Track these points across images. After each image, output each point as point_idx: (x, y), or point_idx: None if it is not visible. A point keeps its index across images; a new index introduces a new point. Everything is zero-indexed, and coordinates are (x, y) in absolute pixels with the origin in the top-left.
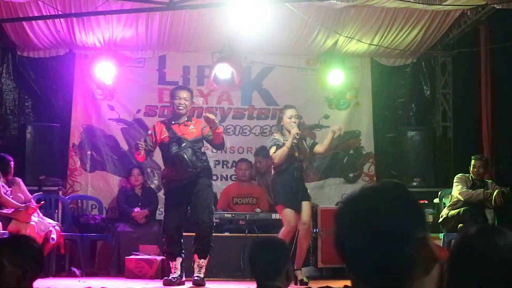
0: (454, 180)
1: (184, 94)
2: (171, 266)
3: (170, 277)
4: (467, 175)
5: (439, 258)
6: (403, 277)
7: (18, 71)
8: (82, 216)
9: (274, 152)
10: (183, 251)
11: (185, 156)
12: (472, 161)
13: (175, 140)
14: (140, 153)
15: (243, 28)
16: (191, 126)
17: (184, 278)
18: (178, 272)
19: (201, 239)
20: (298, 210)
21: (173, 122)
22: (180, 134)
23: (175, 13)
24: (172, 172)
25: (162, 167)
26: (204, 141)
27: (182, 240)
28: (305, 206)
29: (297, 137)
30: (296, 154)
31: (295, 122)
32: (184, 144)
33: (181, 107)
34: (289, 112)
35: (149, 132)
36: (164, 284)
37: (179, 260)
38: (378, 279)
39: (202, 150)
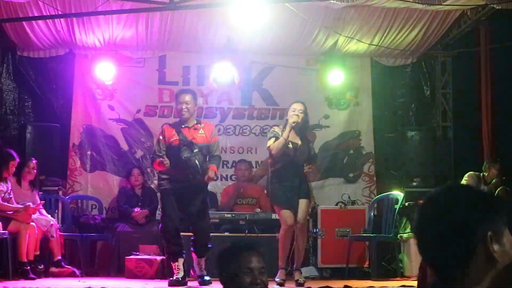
0: (464, 178)
1: (185, 98)
2: (173, 267)
3: (174, 278)
4: (479, 174)
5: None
6: (458, 268)
7: (18, 71)
8: (82, 216)
9: (272, 144)
10: (184, 251)
11: (197, 162)
12: (497, 166)
13: (186, 144)
14: (164, 166)
15: (243, 28)
16: (201, 130)
17: (187, 279)
18: (182, 273)
19: (201, 241)
20: (294, 208)
21: (183, 126)
22: (190, 138)
23: (175, 13)
24: (178, 174)
25: (151, 163)
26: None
27: (182, 241)
28: (301, 204)
29: (293, 124)
30: (292, 154)
31: (297, 115)
32: (196, 150)
33: (184, 112)
34: (294, 106)
35: (160, 137)
36: (169, 285)
37: (181, 260)
38: (439, 265)
39: (208, 158)
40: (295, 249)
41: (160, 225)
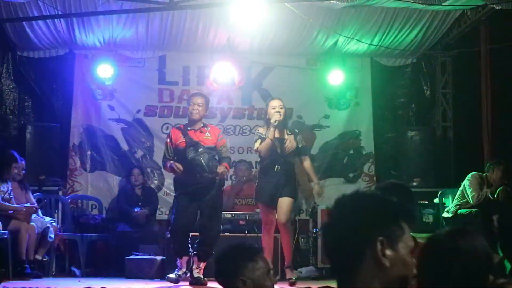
0: (468, 178)
1: (198, 100)
2: (177, 263)
3: (175, 274)
4: (483, 174)
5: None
6: (350, 269)
7: (18, 71)
8: (82, 216)
9: (260, 145)
10: (190, 249)
11: (202, 161)
12: (500, 167)
13: (191, 145)
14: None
15: (243, 28)
16: (207, 133)
17: (188, 275)
18: (184, 270)
19: (205, 245)
20: (274, 205)
21: (189, 128)
22: (196, 139)
23: (175, 13)
24: (187, 177)
25: (162, 167)
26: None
27: (189, 240)
28: (281, 203)
29: (275, 123)
30: (278, 150)
31: (278, 112)
32: (201, 149)
33: (194, 112)
34: (273, 103)
35: (168, 140)
36: (169, 281)
37: (185, 258)
38: (334, 268)
39: (217, 158)
40: (282, 248)
41: (170, 226)
